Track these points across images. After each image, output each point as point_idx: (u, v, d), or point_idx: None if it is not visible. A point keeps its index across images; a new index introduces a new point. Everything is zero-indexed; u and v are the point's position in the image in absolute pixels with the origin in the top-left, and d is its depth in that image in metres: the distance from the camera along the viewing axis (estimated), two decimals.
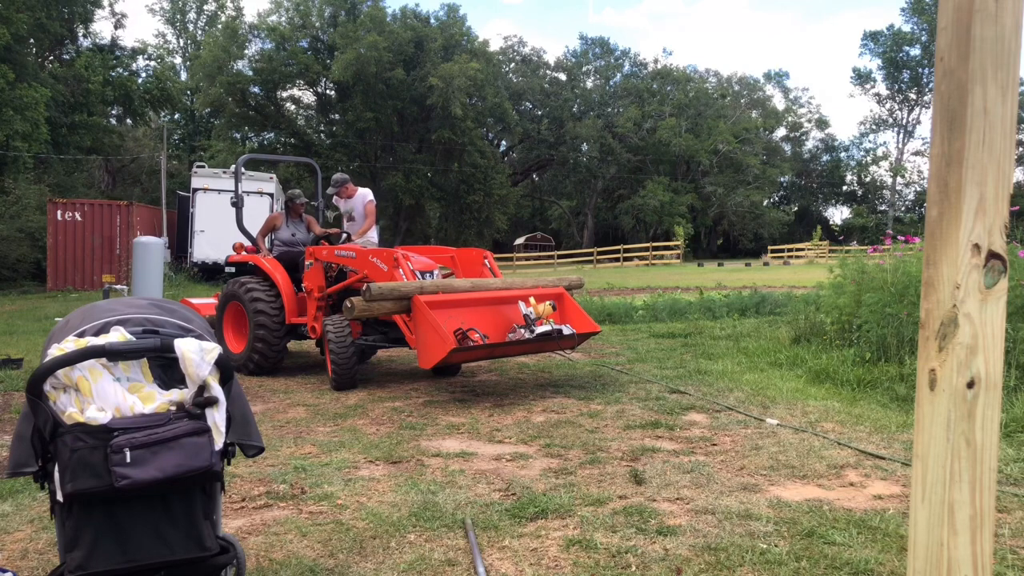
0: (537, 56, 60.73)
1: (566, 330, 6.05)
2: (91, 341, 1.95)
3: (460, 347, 5.55)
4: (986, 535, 1.30)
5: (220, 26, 51.47)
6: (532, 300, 6.13)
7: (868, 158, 63.85)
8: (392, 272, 6.31)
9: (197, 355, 1.99)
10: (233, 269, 7.85)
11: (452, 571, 2.72)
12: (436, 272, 6.73)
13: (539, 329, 5.91)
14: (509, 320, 6.08)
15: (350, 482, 3.76)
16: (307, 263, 7.16)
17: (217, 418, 2.00)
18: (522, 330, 5.96)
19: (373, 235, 8.23)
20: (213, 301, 8.20)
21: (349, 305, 5.82)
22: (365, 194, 8.18)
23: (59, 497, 1.86)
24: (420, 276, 6.35)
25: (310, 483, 3.74)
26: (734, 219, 55.80)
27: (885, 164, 61.50)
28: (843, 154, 65.98)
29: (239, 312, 7.40)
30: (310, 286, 7.02)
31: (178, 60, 56.51)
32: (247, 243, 8.05)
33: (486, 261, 7.14)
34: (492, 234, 54.07)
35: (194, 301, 8.33)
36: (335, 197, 8.18)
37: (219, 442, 1.99)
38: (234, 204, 7.98)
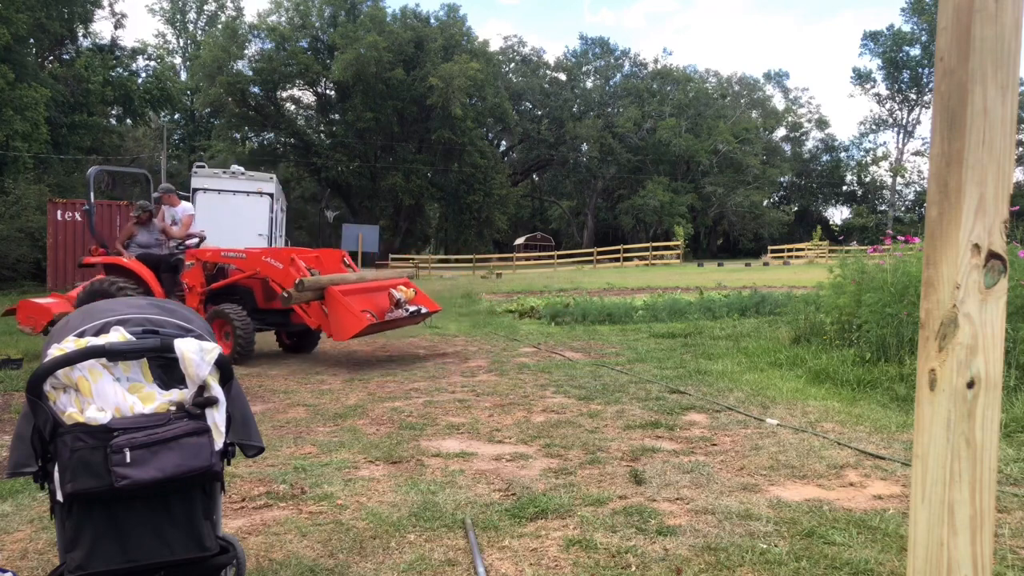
0: (537, 56, 60.77)
1: (423, 310, 8.17)
2: (91, 341, 1.95)
3: (372, 324, 7.33)
4: (986, 535, 1.30)
5: (220, 26, 51.49)
6: (402, 288, 8.10)
7: (868, 158, 63.89)
8: (287, 269, 7.72)
9: (197, 355, 1.99)
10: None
11: (452, 571, 2.72)
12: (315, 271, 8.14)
13: (411, 309, 7.98)
14: (378, 303, 7.79)
15: (350, 482, 3.75)
16: (187, 263, 8.47)
17: (217, 418, 2.00)
18: (399, 310, 7.86)
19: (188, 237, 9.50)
20: (53, 301, 8.78)
21: (286, 295, 7.32)
22: (188, 207, 9.44)
23: (59, 497, 1.86)
24: (308, 273, 7.72)
25: (310, 483, 3.74)
26: (734, 219, 55.80)
27: (885, 164, 61.54)
28: (843, 154, 66.01)
29: None
30: (192, 283, 8.39)
31: (178, 60, 56.53)
32: (122, 249, 8.94)
33: (344, 260, 8.67)
34: (492, 234, 54.06)
35: (38, 301, 8.87)
36: (160, 203, 9.30)
37: (219, 442, 1.99)
38: (87, 211, 9.00)
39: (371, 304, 7.64)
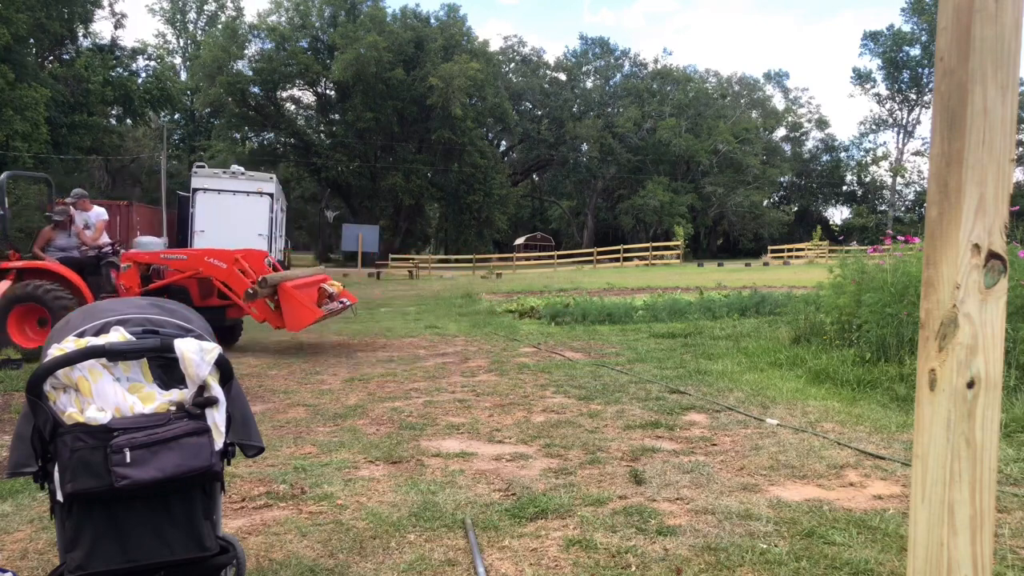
0: (537, 56, 60.76)
1: (348, 302, 9.22)
2: (91, 341, 1.95)
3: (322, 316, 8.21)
4: (986, 535, 1.30)
5: (220, 26, 51.51)
6: (333, 283, 9.12)
7: (868, 158, 63.91)
8: (231, 269, 8.26)
9: (197, 355, 1.99)
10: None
11: (452, 571, 2.72)
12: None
13: (344, 301, 9.10)
14: (313, 297, 8.57)
15: (350, 482, 3.75)
16: (123, 265, 8.76)
17: (217, 418, 2.00)
18: (334, 303, 8.87)
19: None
20: None
21: (251, 292, 8.04)
22: (101, 212, 9.49)
23: (59, 497, 1.85)
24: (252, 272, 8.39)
25: (310, 483, 3.74)
26: (734, 219, 55.79)
27: (885, 164, 61.55)
28: (843, 154, 66.02)
29: (31, 311, 8.27)
30: (128, 284, 8.68)
31: (178, 60, 56.57)
32: (40, 253, 9.01)
33: (267, 260, 9.27)
34: (492, 234, 54.05)
35: None
36: (72, 208, 9.19)
37: (219, 442, 1.99)
38: (1, 216, 9.17)
39: (310, 298, 8.51)
